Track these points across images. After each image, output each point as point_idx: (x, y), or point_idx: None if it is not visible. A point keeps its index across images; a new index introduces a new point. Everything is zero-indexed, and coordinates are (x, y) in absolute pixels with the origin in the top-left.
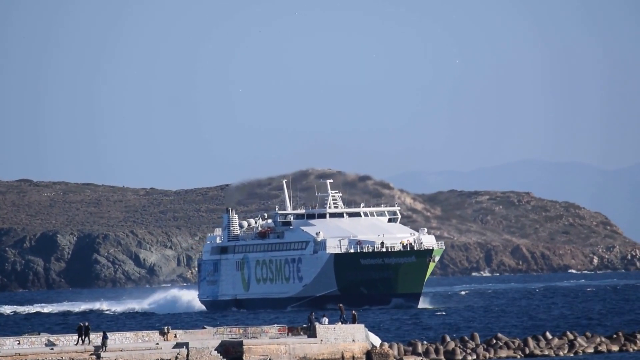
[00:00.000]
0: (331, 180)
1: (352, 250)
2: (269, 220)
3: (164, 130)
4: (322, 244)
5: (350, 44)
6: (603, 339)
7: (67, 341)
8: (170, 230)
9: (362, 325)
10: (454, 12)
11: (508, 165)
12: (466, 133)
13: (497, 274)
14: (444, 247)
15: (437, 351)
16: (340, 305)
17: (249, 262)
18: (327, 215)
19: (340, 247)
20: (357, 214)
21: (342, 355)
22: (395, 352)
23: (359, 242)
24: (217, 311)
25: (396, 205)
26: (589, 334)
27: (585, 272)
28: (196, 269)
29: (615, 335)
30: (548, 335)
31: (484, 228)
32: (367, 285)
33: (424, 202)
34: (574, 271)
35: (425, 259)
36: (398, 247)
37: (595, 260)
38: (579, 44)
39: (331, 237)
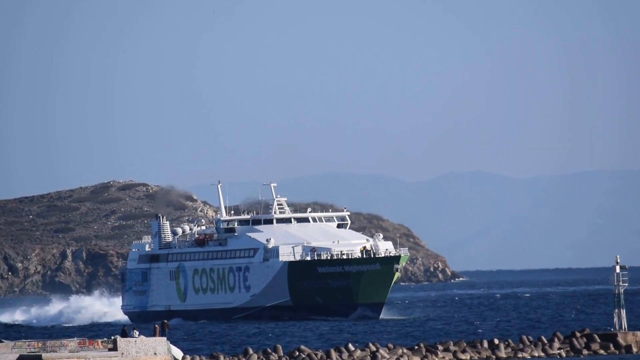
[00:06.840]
0: (275, 184)
1: (307, 258)
2: (204, 227)
3: None
4: (274, 251)
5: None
6: (405, 351)
7: None
8: None
9: (164, 339)
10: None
11: (313, 178)
12: (270, 145)
13: None
14: (408, 254)
15: None
16: (165, 321)
17: (186, 271)
18: (274, 221)
19: (294, 255)
20: (305, 219)
21: None
22: None
23: (313, 249)
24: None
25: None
26: (391, 345)
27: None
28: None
29: (417, 347)
30: (351, 347)
31: None
32: (323, 294)
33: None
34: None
35: (392, 266)
36: (356, 254)
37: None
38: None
39: (282, 243)
